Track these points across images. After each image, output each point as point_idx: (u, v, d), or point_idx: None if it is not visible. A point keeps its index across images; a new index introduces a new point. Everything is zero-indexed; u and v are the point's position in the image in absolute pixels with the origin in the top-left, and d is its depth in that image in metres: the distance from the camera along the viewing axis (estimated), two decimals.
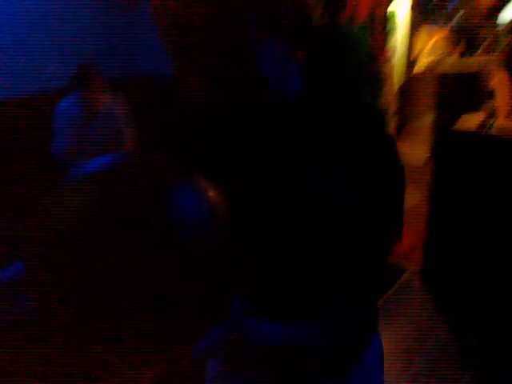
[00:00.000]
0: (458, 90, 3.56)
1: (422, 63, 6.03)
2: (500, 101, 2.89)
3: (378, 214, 0.73)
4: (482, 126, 2.79)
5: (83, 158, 3.21)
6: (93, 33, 3.79)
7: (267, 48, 0.67)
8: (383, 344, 1.00)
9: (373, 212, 0.72)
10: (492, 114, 2.87)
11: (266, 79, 0.69)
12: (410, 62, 6.15)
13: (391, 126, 5.13)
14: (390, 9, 5.18)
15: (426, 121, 4.55)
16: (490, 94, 2.97)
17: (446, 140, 2.87)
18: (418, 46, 6.30)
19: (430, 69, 6.04)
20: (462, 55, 6.23)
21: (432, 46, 6.41)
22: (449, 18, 8.00)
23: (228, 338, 0.74)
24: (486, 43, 6.17)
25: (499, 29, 6.11)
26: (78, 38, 3.64)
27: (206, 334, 0.69)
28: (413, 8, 5.99)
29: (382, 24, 4.47)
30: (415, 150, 4.18)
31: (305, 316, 0.76)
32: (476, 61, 5.85)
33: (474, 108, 2.97)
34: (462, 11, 8.31)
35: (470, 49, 6.28)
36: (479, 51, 6.20)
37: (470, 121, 2.82)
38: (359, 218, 0.72)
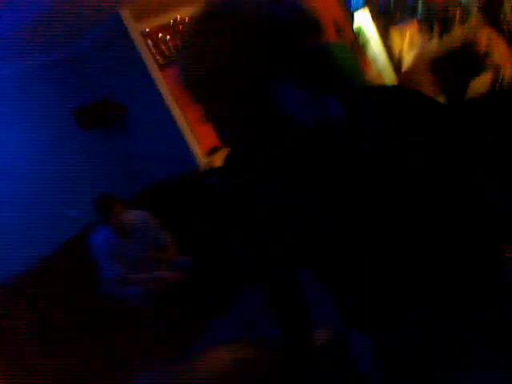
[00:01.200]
0: (456, 65, 3.49)
1: (408, 59, 6.05)
2: (498, 54, 2.82)
3: None
4: (494, 83, 2.71)
5: (135, 277, 3.24)
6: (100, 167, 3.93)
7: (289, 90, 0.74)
8: None
9: None
10: (497, 70, 2.79)
11: (291, 117, 0.75)
12: (396, 64, 6.18)
13: None
14: (355, 27, 5.35)
15: None
16: (486, 54, 2.91)
17: None
18: (396, 48, 6.35)
19: (419, 60, 6.03)
20: (440, 36, 6.21)
21: (409, 42, 6.43)
22: (413, 11, 8.08)
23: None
24: (457, 17, 6.16)
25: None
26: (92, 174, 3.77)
27: None
28: (373, 18, 6.14)
29: (354, 40, 4.54)
30: None
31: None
32: (456, 34, 5.82)
33: (478, 72, 2.90)
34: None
35: (445, 28, 6.27)
36: (454, 26, 6.18)
37: (480, 83, 2.75)
38: None
